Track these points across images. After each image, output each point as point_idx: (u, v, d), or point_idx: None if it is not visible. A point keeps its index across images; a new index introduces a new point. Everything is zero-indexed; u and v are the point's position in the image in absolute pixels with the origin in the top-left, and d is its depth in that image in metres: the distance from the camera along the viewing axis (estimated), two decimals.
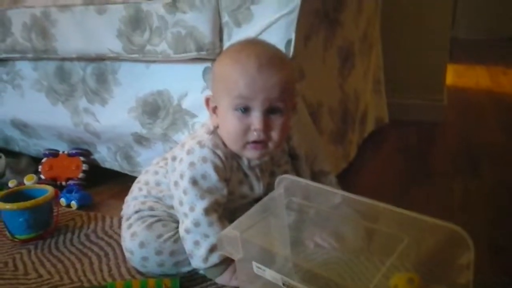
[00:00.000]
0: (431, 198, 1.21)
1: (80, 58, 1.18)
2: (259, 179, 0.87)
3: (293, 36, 0.96)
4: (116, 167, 1.29)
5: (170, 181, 0.85)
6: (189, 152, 0.81)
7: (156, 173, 0.91)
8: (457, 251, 0.58)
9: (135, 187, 0.94)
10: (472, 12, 4.49)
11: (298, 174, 1.00)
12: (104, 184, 1.30)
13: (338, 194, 0.73)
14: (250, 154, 0.82)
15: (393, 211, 0.65)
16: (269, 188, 0.89)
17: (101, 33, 1.10)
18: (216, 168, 0.80)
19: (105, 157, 1.30)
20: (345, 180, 1.26)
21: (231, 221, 0.84)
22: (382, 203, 0.67)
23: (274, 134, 0.80)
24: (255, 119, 0.78)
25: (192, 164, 0.80)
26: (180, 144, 0.88)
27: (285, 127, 0.81)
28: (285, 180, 0.78)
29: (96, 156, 1.32)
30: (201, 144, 0.81)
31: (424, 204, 1.19)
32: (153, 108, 1.13)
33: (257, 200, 0.87)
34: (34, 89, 1.28)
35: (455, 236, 0.59)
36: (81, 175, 1.28)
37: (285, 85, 0.78)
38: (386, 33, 1.73)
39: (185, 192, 0.80)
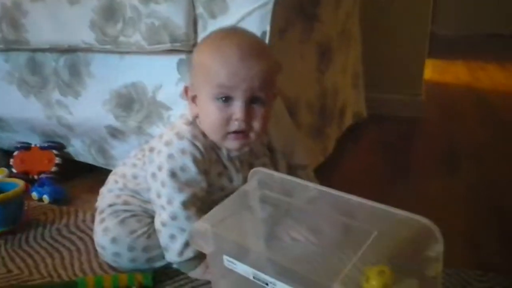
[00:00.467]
0: (410, 195, 1.21)
1: (52, 50, 1.15)
2: (239, 170, 0.86)
3: (268, 28, 0.95)
4: (90, 161, 1.27)
5: (147, 173, 0.83)
6: (167, 143, 0.80)
7: (134, 165, 0.89)
8: (427, 244, 0.58)
9: (110, 178, 0.92)
10: (452, 8, 4.54)
11: (276, 167, 0.99)
12: (78, 178, 1.28)
13: (313, 188, 0.72)
14: (231, 145, 0.81)
15: (366, 205, 0.64)
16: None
17: (73, 23, 1.08)
18: (195, 160, 0.79)
19: (79, 150, 1.27)
20: (323, 175, 1.26)
21: None
22: (356, 196, 0.66)
23: (256, 124, 0.79)
24: (237, 108, 0.77)
25: (171, 156, 0.79)
26: (158, 135, 0.86)
27: (266, 117, 0.80)
28: (259, 173, 0.77)
29: (69, 149, 1.29)
30: (179, 136, 0.80)
31: (402, 199, 1.19)
32: (127, 100, 1.11)
33: None
34: (5, 81, 1.25)
35: (425, 228, 0.59)
36: (53, 168, 1.25)
37: (267, 74, 0.77)
38: (365, 28, 1.73)
39: (163, 185, 0.79)
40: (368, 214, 0.65)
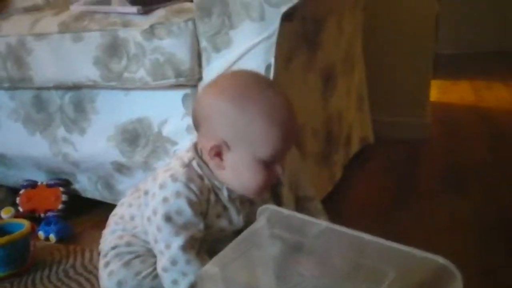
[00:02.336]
0: (418, 219, 1.20)
1: (57, 87, 1.16)
2: (239, 211, 0.84)
3: (272, 61, 0.95)
4: (97, 196, 1.26)
5: (144, 217, 0.81)
6: (161, 186, 0.77)
7: (130, 206, 0.88)
8: (446, 284, 0.56)
9: (111, 220, 0.90)
10: (454, 26, 4.55)
11: (281, 200, 0.98)
12: (85, 214, 1.27)
13: (323, 225, 0.71)
14: (261, 195, 0.82)
15: (379, 243, 0.63)
16: (248, 217, 0.87)
17: (77, 61, 1.08)
18: (191, 203, 0.77)
19: (86, 186, 1.26)
20: (332, 203, 1.24)
21: (210, 253, 0.81)
22: (368, 234, 0.64)
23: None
24: (279, 167, 0.77)
25: (165, 199, 0.76)
26: (152, 176, 0.83)
27: None
28: (267, 211, 0.75)
29: (76, 185, 1.28)
30: (174, 178, 0.77)
31: (411, 225, 1.17)
32: (133, 136, 1.10)
33: (237, 232, 0.84)
34: (11, 119, 1.25)
35: (443, 268, 0.57)
36: (60, 206, 1.24)
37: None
38: (369, 51, 1.73)
39: (159, 229, 0.76)
40: (380, 253, 0.63)
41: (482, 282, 0.89)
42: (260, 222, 0.75)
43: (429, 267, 0.58)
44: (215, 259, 0.68)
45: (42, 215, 1.25)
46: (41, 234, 1.14)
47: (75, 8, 1.14)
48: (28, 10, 1.35)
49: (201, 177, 0.79)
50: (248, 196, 0.81)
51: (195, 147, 0.82)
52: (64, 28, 1.09)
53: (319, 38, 1.13)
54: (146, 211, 0.80)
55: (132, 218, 0.87)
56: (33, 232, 1.03)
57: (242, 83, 0.77)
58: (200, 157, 0.80)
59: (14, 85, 1.19)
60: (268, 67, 0.95)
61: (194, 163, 0.80)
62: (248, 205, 0.86)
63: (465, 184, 1.42)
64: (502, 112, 2.37)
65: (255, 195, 0.81)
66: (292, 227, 0.75)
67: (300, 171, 1.06)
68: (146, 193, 0.82)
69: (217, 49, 0.97)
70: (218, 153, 0.77)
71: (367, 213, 1.26)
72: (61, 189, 1.26)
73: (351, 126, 1.53)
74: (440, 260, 0.57)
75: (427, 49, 1.89)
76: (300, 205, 1.00)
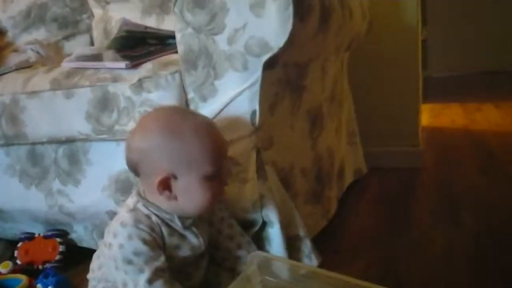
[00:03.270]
0: (414, 250, 1.20)
1: (51, 141, 1.19)
2: (198, 235, 0.89)
3: (257, 107, 0.98)
4: (93, 246, 1.27)
5: (111, 268, 0.85)
6: (115, 235, 0.82)
7: (98, 257, 0.94)
8: None
9: (90, 285, 0.97)
10: (443, 50, 4.62)
11: (270, 241, 1.01)
12: (82, 264, 1.27)
13: (310, 269, 0.73)
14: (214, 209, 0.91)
15: (364, 287, 0.65)
16: (211, 238, 0.94)
17: (70, 116, 1.11)
18: (145, 241, 0.81)
19: (82, 236, 1.28)
20: (326, 239, 1.26)
21: (180, 275, 0.86)
22: (353, 278, 0.66)
23: None
24: (223, 181, 0.86)
25: (121, 245, 0.81)
26: (107, 229, 0.88)
27: None
28: (257, 257, 0.78)
29: (72, 235, 1.30)
30: (123, 224, 0.83)
31: (407, 256, 1.18)
32: (126, 185, 1.13)
33: (201, 255, 0.90)
34: (7, 175, 1.28)
35: None
36: (58, 257, 1.25)
37: None
38: (356, 83, 1.77)
39: (126, 273, 0.80)
40: None
41: None
42: (251, 268, 0.78)
43: None
44: None
45: (40, 266, 1.27)
46: (39, 286, 1.15)
47: (66, 65, 1.18)
48: (19, 66, 1.40)
49: (148, 216, 0.85)
50: (202, 214, 0.89)
51: (138, 191, 0.88)
52: (56, 85, 1.13)
53: (303, 82, 1.17)
54: (111, 263, 0.84)
55: (99, 268, 0.93)
56: (31, 286, 1.04)
57: (163, 117, 0.86)
58: (144, 198, 0.86)
59: (9, 141, 1.22)
60: (253, 113, 0.99)
61: (140, 205, 0.86)
62: (206, 227, 0.91)
63: (459, 212, 1.43)
64: (493, 134, 2.39)
65: (209, 211, 0.90)
66: (281, 272, 0.77)
67: (289, 211, 1.08)
68: (105, 245, 0.87)
69: (204, 99, 1.01)
70: (166, 186, 0.83)
71: (362, 246, 1.27)
72: (58, 239, 1.28)
73: (343, 161, 1.55)
74: None
75: (414, 75, 1.90)
76: (291, 244, 1.02)
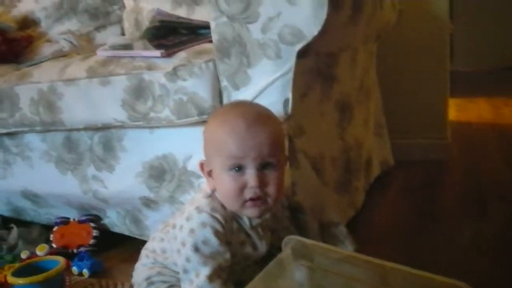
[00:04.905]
0: (440, 242, 1.20)
1: (86, 128, 1.22)
2: (261, 238, 0.88)
3: (290, 96, 0.99)
4: (125, 231, 1.30)
5: (173, 249, 0.86)
6: (188, 218, 0.83)
7: (162, 240, 0.93)
8: None
9: (142, 253, 0.95)
10: (470, 43, 4.55)
11: (304, 228, 1.01)
12: (114, 248, 1.31)
13: (344, 253, 0.74)
14: (251, 213, 0.83)
15: (399, 270, 0.65)
16: (272, 245, 0.90)
17: (106, 103, 1.14)
18: (216, 233, 0.81)
19: (115, 221, 1.31)
20: (355, 229, 1.26)
21: (237, 283, 0.84)
22: (389, 262, 0.67)
23: (271, 189, 0.82)
24: (250, 176, 0.80)
25: (192, 230, 0.81)
26: (180, 211, 0.89)
27: (280, 181, 0.83)
28: (292, 241, 0.79)
29: (105, 221, 1.33)
30: (199, 210, 0.83)
31: (433, 249, 1.18)
32: (159, 171, 1.15)
33: (259, 262, 0.87)
34: (43, 160, 1.32)
35: None
36: (92, 241, 1.29)
37: (274, 139, 0.81)
38: (384, 75, 1.76)
39: (188, 260, 0.81)
40: (401, 280, 0.66)
41: None
42: (286, 252, 0.79)
43: None
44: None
45: (74, 250, 1.30)
46: (74, 269, 1.19)
47: (101, 54, 1.21)
48: (54, 55, 1.43)
49: (223, 206, 0.84)
50: (238, 212, 0.84)
51: None
52: (92, 73, 1.15)
53: (333, 72, 1.18)
54: (175, 244, 0.84)
55: (163, 251, 0.91)
56: (67, 268, 1.08)
57: (222, 109, 0.88)
58: None
59: (46, 128, 1.26)
60: (286, 102, 1.00)
61: (216, 194, 0.85)
62: (269, 233, 0.90)
63: (486, 205, 1.42)
64: None
65: (241, 210, 0.83)
66: (315, 256, 0.78)
67: (322, 198, 1.09)
68: (174, 226, 0.87)
69: (237, 87, 1.02)
70: (208, 172, 0.85)
71: (389, 238, 1.27)
72: (91, 224, 1.31)
73: (371, 152, 1.56)
74: (459, 284, 0.59)
75: (442, 68, 1.90)
76: (325, 230, 1.02)
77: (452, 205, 1.47)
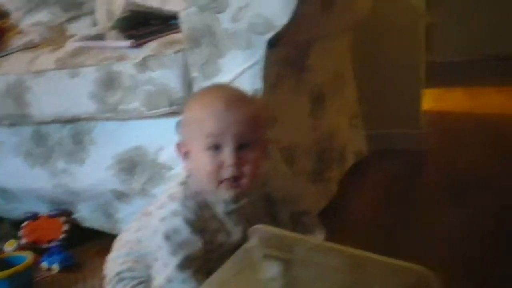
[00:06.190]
0: (416, 231, 1.22)
1: (55, 121, 1.20)
2: (236, 224, 0.87)
3: (260, 85, 0.99)
4: (97, 225, 1.29)
5: (147, 237, 0.85)
6: (160, 207, 0.82)
7: (138, 229, 0.91)
8: None
9: (116, 245, 0.94)
10: (447, 34, 4.59)
11: (276, 218, 1.00)
12: (87, 243, 1.29)
13: (311, 243, 0.74)
14: (226, 194, 0.82)
15: (363, 257, 0.66)
16: (246, 235, 0.90)
17: (75, 95, 1.12)
18: (188, 221, 0.80)
19: (86, 215, 1.30)
20: (328, 218, 1.27)
21: (214, 271, 0.84)
22: (351, 248, 0.67)
23: (247, 169, 0.81)
24: (227, 155, 0.79)
25: (163, 219, 0.81)
26: (157, 199, 0.88)
27: (257, 161, 0.82)
28: (259, 230, 0.78)
29: (77, 215, 1.31)
30: (171, 197, 0.82)
31: (409, 237, 1.19)
32: (130, 164, 1.14)
33: (238, 248, 0.87)
34: (12, 155, 1.29)
35: (424, 277, 0.60)
36: (62, 236, 1.26)
37: (253, 119, 0.81)
38: (359, 66, 1.77)
39: (159, 248, 0.80)
40: (364, 266, 0.66)
41: None
42: (252, 242, 0.78)
43: (410, 278, 0.61)
44: (209, 280, 0.71)
45: (45, 245, 1.28)
46: (44, 264, 1.17)
47: (71, 45, 1.19)
48: (24, 46, 1.40)
49: (197, 193, 0.83)
50: (215, 192, 0.83)
51: None
52: (61, 65, 1.13)
53: (305, 62, 1.17)
54: (148, 232, 0.84)
55: (139, 241, 0.90)
56: (36, 264, 1.06)
57: (201, 91, 0.89)
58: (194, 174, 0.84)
59: (14, 121, 1.23)
60: (256, 91, 0.99)
61: (191, 180, 0.84)
62: (245, 221, 0.90)
63: (462, 193, 1.44)
64: (498, 118, 2.40)
65: (215, 190, 0.82)
66: (284, 246, 0.78)
67: (292, 188, 1.09)
68: (147, 214, 0.86)
69: (207, 77, 1.01)
70: (185, 153, 0.84)
71: (362, 226, 1.28)
72: (62, 219, 1.29)
73: (345, 143, 1.56)
74: (420, 269, 0.60)
75: (417, 59, 1.92)
76: (296, 219, 1.02)
77: (427, 194, 1.48)
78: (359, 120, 1.75)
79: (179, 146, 0.86)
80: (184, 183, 0.85)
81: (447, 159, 1.81)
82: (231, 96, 0.82)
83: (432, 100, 2.95)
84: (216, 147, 0.79)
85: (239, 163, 0.79)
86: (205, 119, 0.79)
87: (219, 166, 0.80)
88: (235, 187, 0.81)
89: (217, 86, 0.92)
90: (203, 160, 0.80)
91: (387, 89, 1.92)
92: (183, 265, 0.79)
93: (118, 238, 0.96)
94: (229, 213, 0.86)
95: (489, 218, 1.25)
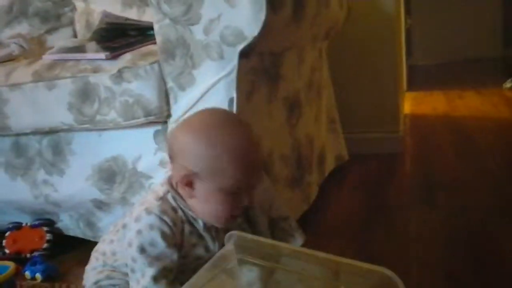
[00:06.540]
0: (390, 233, 1.25)
1: (34, 133, 1.21)
2: (215, 239, 0.89)
3: (234, 95, 1.01)
4: (79, 234, 1.30)
5: (122, 249, 0.86)
6: (136, 219, 0.82)
7: (112, 242, 0.92)
8: None
9: (92, 256, 0.95)
10: (427, 38, 4.67)
11: (255, 224, 1.03)
12: (70, 252, 1.31)
13: (285, 248, 0.76)
14: (228, 224, 0.85)
15: (330, 260, 0.68)
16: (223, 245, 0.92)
17: (52, 107, 1.14)
18: (164, 235, 0.81)
19: (68, 225, 1.31)
20: (307, 223, 1.30)
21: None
22: (339, 257, 0.69)
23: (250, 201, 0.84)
24: (245, 196, 0.82)
25: (139, 231, 0.81)
26: (130, 211, 0.90)
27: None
28: (234, 236, 0.80)
29: (59, 224, 1.33)
30: (148, 211, 0.82)
31: (384, 239, 1.23)
32: (109, 174, 1.16)
33: None
34: None
35: (389, 280, 0.62)
36: (45, 245, 1.28)
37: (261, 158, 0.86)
38: (338, 71, 1.80)
39: (134, 260, 0.81)
40: (332, 269, 0.69)
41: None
42: (228, 247, 0.80)
43: (377, 280, 0.64)
44: (186, 285, 0.73)
45: (28, 255, 1.29)
46: (27, 274, 1.18)
47: (47, 57, 1.20)
48: (2, 59, 1.42)
49: (175, 209, 0.84)
50: (216, 225, 0.86)
51: (170, 180, 0.86)
52: (37, 77, 1.15)
53: (279, 71, 1.20)
54: (124, 244, 0.85)
55: (113, 253, 0.91)
56: (18, 273, 1.07)
57: (211, 121, 0.84)
58: (175, 190, 0.85)
59: None
60: (230, 101, 1.02)
61: (169, 196, 0.85)
62: (223, 233, 0.91)
63: (434, 195, 1.48)
64: (473, 120, 2.45)
65: (222, 224, 0.85)
66: (258, 252, 0.80)
67: (270, 194, 1.11)
68: (123, 226, 0.87)
69: (183, 88, 1.04)
70: (189, 182, 0.82)
71: (340, 230, 1.31)
72: (44, 228, 1.30)
73: (324, 147, 1.59)
74: (384, 271, 0.62)
75: (395, 63, 1.96)
76: (275, 225, 1.04)
77: (402, 196, 1.52)
78: (337, 125, 1.79)
79: (182, 176, 0.82)
80: (161, 198, 0.84)
81: (421, 162, 1.86)
82: (249, 136, 0.82)
83: (411, 103, 3.01)
84: (233, 193, 0.81)
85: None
86: (230, 165, 0.78)
87: (233, 206, 0.82)
88: (235, 219, 0.85)
89: (228, 120, 0.86)
90: (217, 199, 0.81)
91: (366, 94, 1.96)
92: (159, 276, 0.81)
93: (94, 249, 0.97)
94: (208, 229, 0.87)
95: (457, 218, 1.29)
